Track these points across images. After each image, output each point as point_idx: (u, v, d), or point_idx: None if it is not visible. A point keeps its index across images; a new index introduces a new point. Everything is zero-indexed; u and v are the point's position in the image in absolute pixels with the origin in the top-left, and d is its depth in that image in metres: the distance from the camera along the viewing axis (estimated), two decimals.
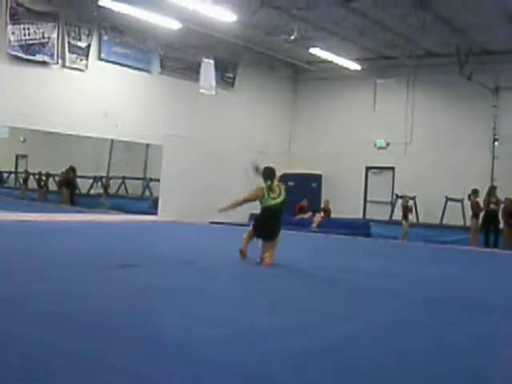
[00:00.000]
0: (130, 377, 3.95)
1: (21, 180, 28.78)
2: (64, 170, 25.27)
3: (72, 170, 24.91)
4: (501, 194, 18.41)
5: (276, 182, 10.26)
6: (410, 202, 20.24)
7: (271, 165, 10.45)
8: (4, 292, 6.51)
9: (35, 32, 16.46)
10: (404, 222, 19.66)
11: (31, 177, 27.70)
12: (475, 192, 18.39)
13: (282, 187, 10.34)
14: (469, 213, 18.95)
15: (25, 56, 16.34)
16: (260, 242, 10.19)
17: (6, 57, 16.06)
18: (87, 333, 4.98)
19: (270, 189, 10.09)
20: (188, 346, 4.74)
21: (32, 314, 5.56)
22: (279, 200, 10.13)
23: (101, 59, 18.27)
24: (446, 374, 4.50)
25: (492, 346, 5.52)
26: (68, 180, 25.24)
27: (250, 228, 10.32)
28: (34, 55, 16.51)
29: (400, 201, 20.72)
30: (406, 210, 19.80)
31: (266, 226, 10.13)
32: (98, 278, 7.83)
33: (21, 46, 16.22)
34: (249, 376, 4.11)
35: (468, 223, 19.24)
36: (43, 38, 16.64)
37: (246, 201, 10.28)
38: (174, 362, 4.33)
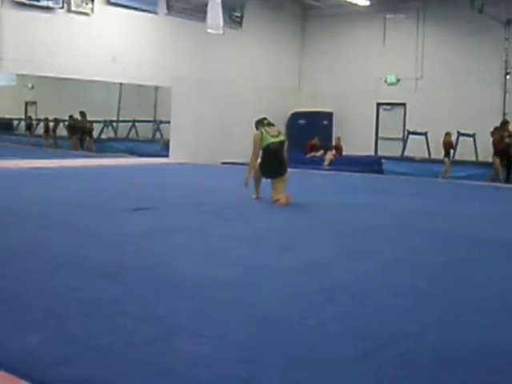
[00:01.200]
0: (143, 320, 3.99)
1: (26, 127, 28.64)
2: (74, 114, 25.10)
3: (82, 114, 24.69)
4: None
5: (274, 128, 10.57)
6: (453, 138, 19.42)
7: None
8: (18, 239, 6.56)
9: None
10: (446, 159, 19.06)
11: (41, 123, 27.58)
12: (497, 129, 18.18)
13: (282, 132, 10.80)
14: (481, 147, 18.84)
15: (28, 1, 16.09)
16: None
17: (10, 2, 15.82)
18: (101, 278, 5.02)
19: (268, 125, 10.37)
20: (202, 287, 4.78)
21: (47, 261, 5.60)
22: (278, 139, 10.33)
23: (108, 3, 17.98)
24: (462, 309, 4.53)
25: None
26: (77, 125, 25.10)
27: (257, 171, 10.39)
28: (37, 0, 16.27)
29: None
30: (449, 146, 19.19)
31: (270, 163, 10.20)
32: (110, 222, 7.88)
33: None
34: (263, 317, 4.14)
35: (480, 158, 19.14)
36: None
37: (255, 156, 10.38)
38: (188, 304, 4.37)
